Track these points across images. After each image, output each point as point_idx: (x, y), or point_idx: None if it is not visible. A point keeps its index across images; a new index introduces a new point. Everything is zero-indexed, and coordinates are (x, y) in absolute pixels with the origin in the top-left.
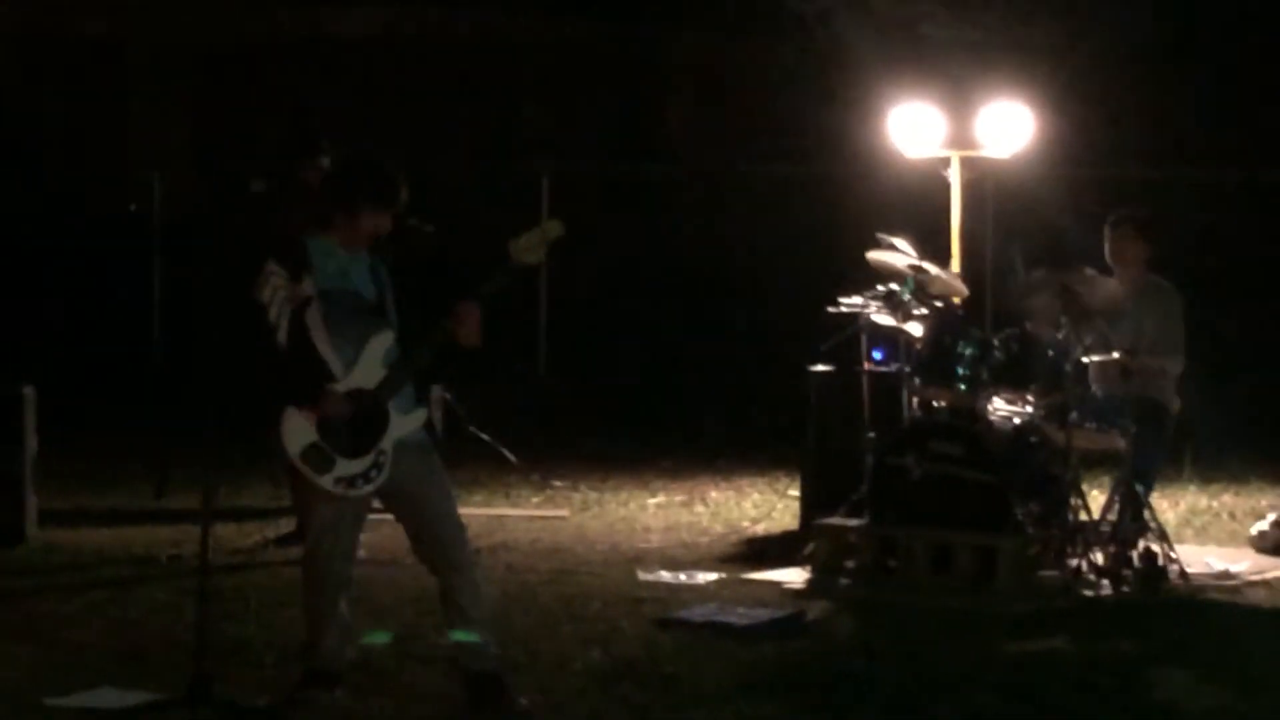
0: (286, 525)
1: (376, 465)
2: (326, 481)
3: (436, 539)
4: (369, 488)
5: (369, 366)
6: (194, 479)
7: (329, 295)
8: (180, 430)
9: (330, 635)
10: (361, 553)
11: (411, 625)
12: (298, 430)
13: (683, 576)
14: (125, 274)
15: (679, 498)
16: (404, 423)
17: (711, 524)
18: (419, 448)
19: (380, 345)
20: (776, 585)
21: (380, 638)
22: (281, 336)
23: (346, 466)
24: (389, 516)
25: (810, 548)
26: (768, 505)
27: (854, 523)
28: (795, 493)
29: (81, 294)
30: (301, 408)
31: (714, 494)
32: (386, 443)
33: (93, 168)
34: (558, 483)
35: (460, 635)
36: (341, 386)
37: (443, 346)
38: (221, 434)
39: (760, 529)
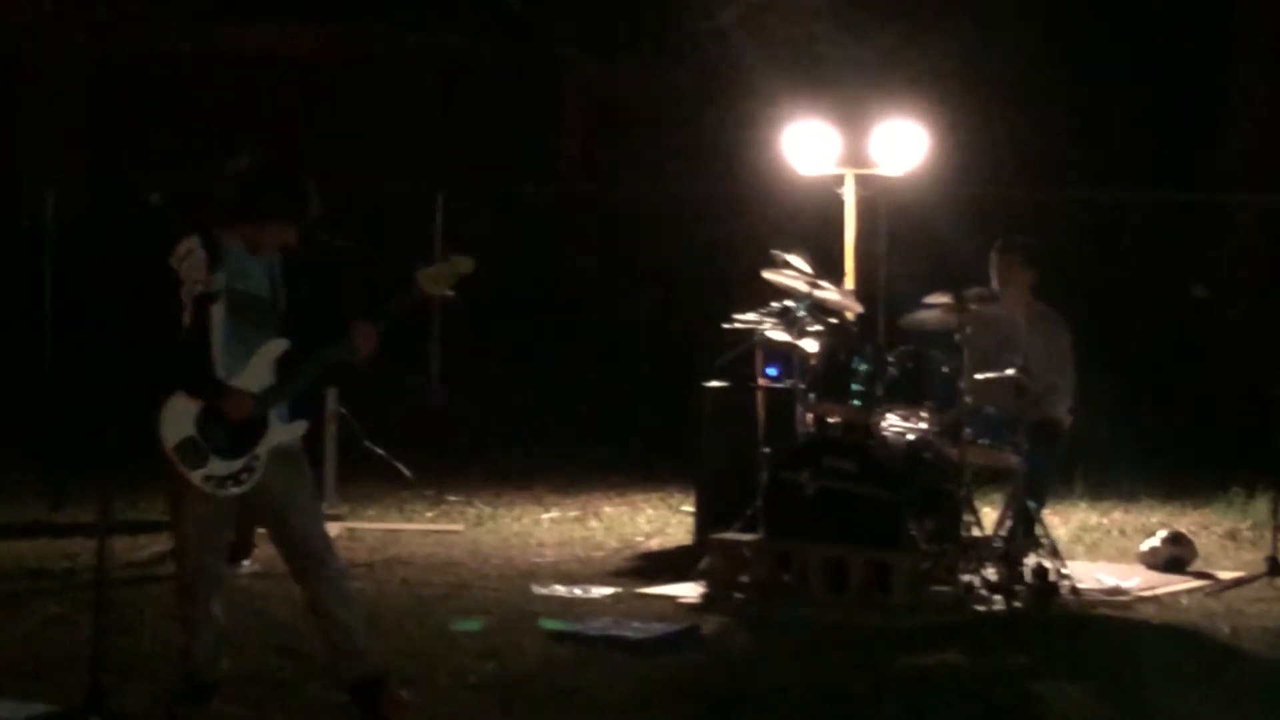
0: None
1: (248, 469)
2: (196, 478)
3: (300, 546)
4: (236, 490)
5: (256, 371)
6: (88, 491)
7: (232, 295)
8: (76, 442)
9: (203, 643)
10: (256, 566)
11: (310, 638)
12: (177, 421)
13: (577, 591)
14: (16, 287)
15: (573, 513)
16: (282, 431)
17: (605, 539)
18: (290, 455)
19: (272, 352)
20: (671, 600)
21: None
22: (187, 319)
23: (218, 466)
24: None
25: (705, 563)
26: (662, 520)
27: (748, 538)
28: (689, 508)
29: None
30: (191, 398)
31: (608, 509)
32: (262, 449)
33: None
34: (452, 497)
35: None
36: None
37: (337, 363)
38: (117, 446)
39: (654, 544)
